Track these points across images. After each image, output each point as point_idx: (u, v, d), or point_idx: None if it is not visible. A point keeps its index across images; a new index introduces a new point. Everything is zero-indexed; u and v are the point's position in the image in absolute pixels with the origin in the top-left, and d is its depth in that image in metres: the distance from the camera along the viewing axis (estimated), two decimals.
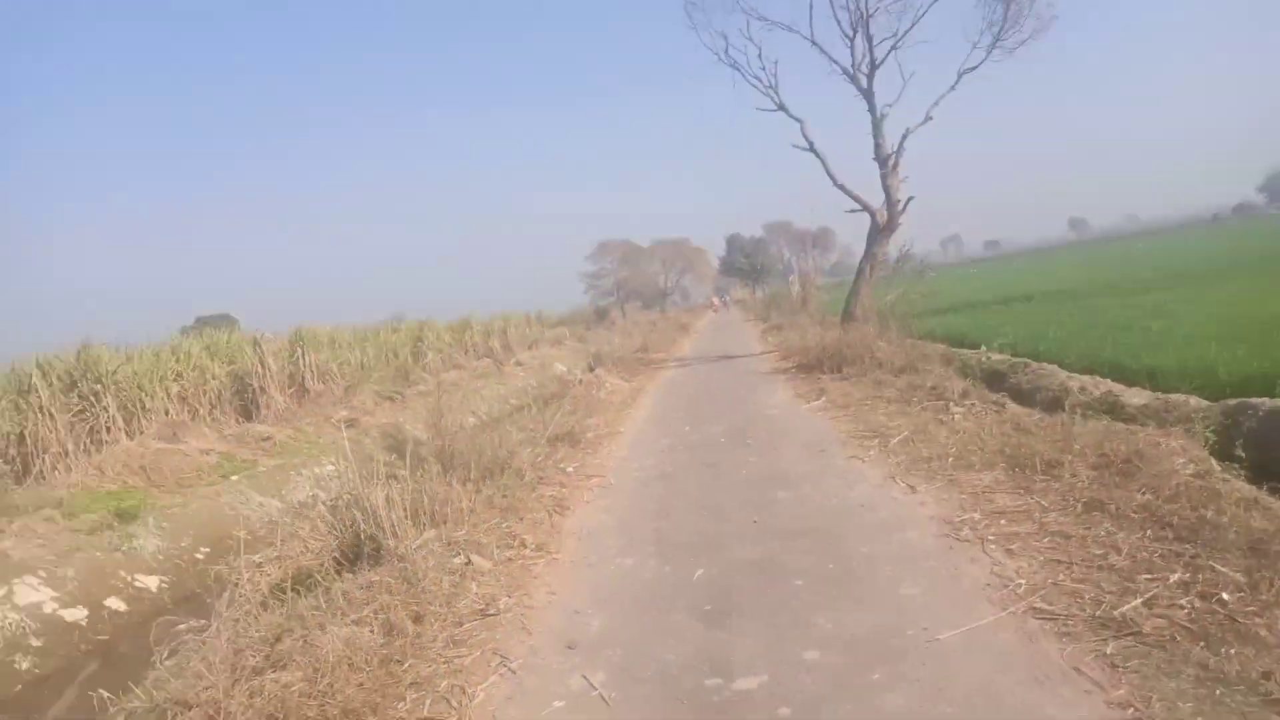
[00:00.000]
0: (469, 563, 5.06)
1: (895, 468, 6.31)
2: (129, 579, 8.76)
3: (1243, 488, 4.97)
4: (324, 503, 5.79)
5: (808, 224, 65.09)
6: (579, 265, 73.75)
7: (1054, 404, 9.57)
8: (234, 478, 12.22)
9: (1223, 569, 3.48)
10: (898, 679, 3.19)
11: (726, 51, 18.06)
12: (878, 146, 16.90)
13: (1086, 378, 10.26)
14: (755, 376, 14.10)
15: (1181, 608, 3.28)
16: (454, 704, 3.49)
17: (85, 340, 13.43)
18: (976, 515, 4.90)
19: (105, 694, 4.28)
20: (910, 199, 17.13)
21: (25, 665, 7.10)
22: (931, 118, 17.02)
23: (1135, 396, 8.90)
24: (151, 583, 8.92)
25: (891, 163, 16.79)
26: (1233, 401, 7.54)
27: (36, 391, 11.88)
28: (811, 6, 17.23)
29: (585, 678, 3.61)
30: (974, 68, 17.00)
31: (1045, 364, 11.62)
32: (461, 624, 4.31)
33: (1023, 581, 3.84)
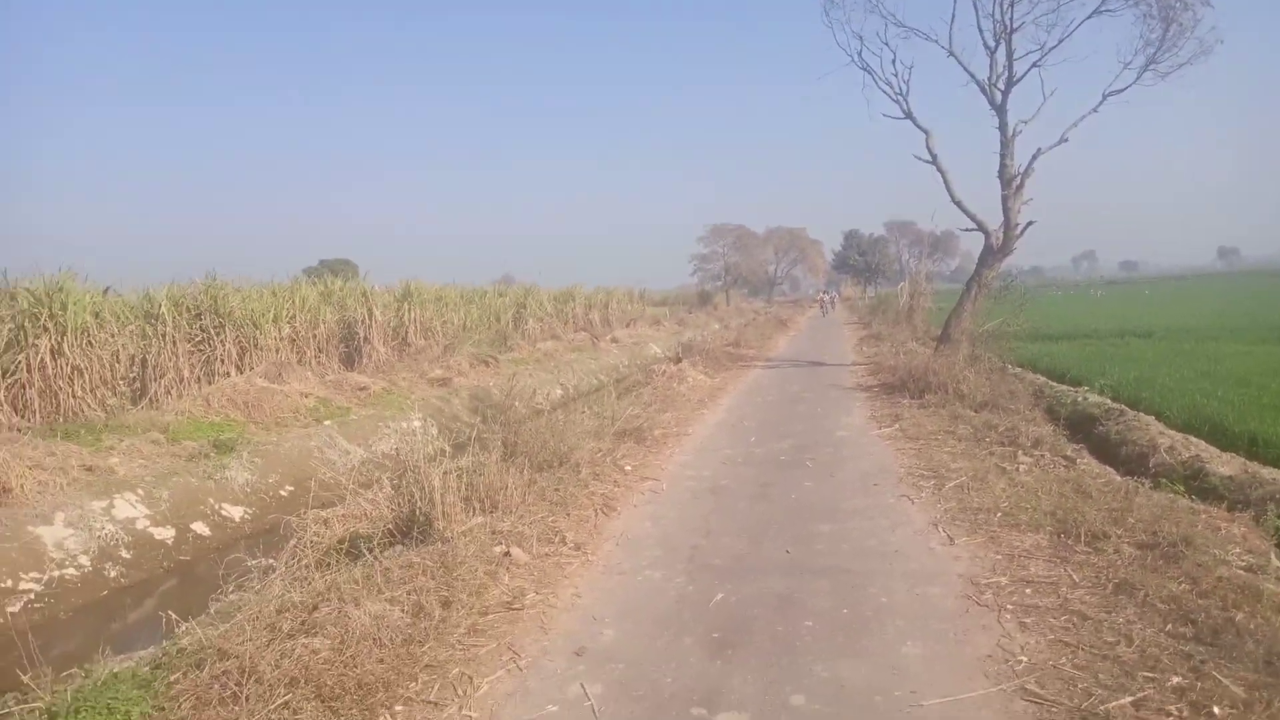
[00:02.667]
0: (508, 554, 5.38)
1: (942, 515, 6.29)
2: (216, 506, 9.49)
3: None
4: (388, 478, 6.15)
5: (931, 226, 63.01)
6: (690, 246, 73.79)
7: (1139, 460, 9.27)
8: (327, 423, 12.96)
9: (1225, 680, 3.43)
10: None
11: (860, 54, 17.65)
12: (1004, 166, 16.29)
13: (1180, 436, 9.87)
14: (838, 390, 14.02)
15: (1169, 714, 3.28)
16: (459, 692, 3.81)
17: (212, 274, 14.48)
18: (1004, 580, 4.90)
19: (173, 614, 4.78)
20: (1030, 224, 16.51)
21: (113, 574, 7.82)
22: (1068, 139, 16.25)
23: (1224, 465, 8.54)
24: (236, 513, 9.63)
25: (1016, 184, 16.16)
26: None
27: (164, 319, 12.86)
28: (954, 15, 16.69)
29: (583, 687, 3.85)
30: (1121, 90, 16.02)
31: (1142, 414, 11.19)
32: (486, 614, 4.63)
33: (1025, 659, 3.87)
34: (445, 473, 5.78)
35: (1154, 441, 9.70)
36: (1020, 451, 8.03)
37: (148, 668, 4.06)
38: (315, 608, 4.17)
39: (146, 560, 8.24)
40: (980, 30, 16.41)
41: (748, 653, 4.16)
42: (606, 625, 4.60)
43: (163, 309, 12.96)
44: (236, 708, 3.45)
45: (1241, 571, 4.89)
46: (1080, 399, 12.68)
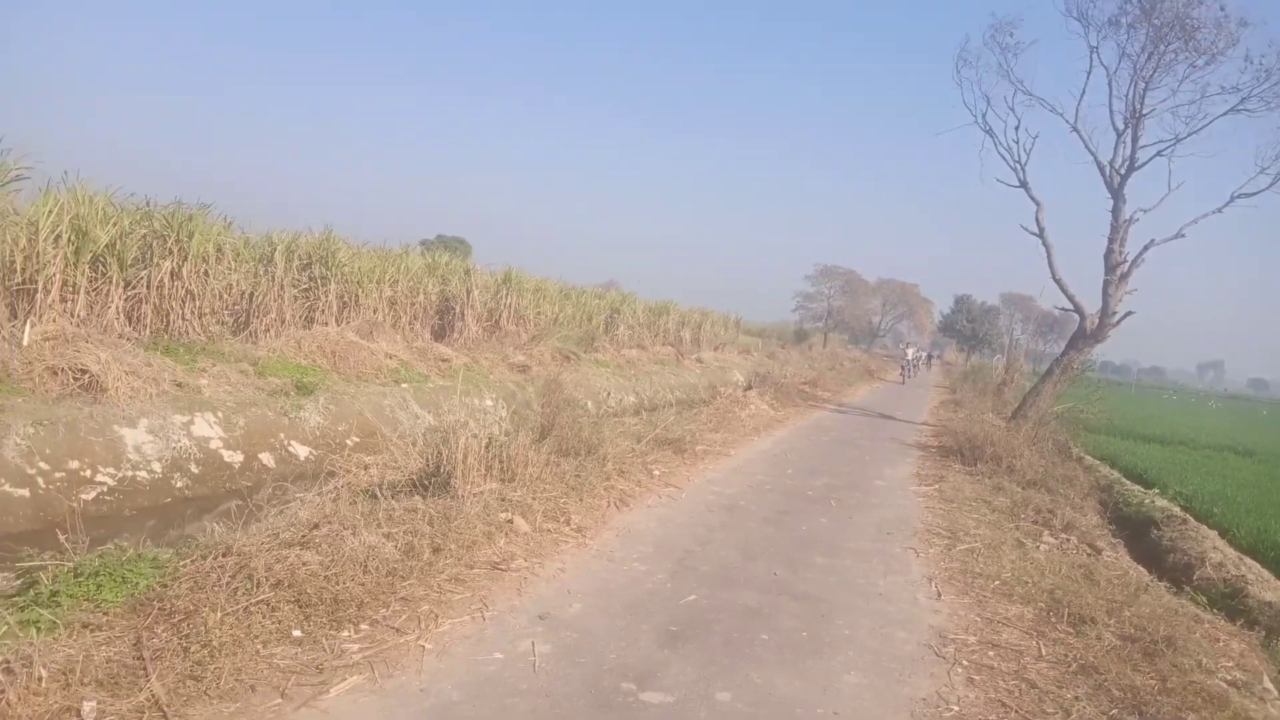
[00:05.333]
0: (510, 521, 5.74)
1: (941, 571, 6.34)
2: (286, 442, 10.15)
3: (1270, 713, 4.71)
4: (423, 434, 6.60)
5: (1049, 306, 60.70)
6: (795, 283, 73.28)
7: (1185, 570, 9.03)
8: (404, 385, 13.62)
9: None
10: None
11: (984, 116, 17.41)
12: (1110, 250, 15.86)
13: (1235, 555, 9.55)
14: (894, 444, 13.94)
15: None
16: (422, 625, 4.17)
17: (328, 229, 15.43)
18: (973, 639, 4.97)
19: (218, 526, 5.31)
20: (1128, 314, 16.07)
21: (179, 484, 8.51)
22: (1184, 235, 15.79)
23: (1271, 592, 8.24)
24: (302, 451, 10.27)
25: (1121, 271, 15.77)
26: None
27: (276, 264, 13.79)
28: (1084, 91, 16.35)
29: (533, 645, 4.16)
30: (1252, 194, 15.35)
31: (1205, 527, 10.84)
32: (472, 568, 5.00)
33: (956, 709, 3.98)
34: (472, 436, 6.18)
35: (1204, 555, 9.42)
36: (1047, 531, 7.93)
37: (168, 553, 4.58)
38: (316, 526, 4.61)
39: (212, 478, 8.91)
40: (1111, 111, 16.07)
41: (696, 649, 4.39)
42: (577, 600, 4.90)
43: (276, 254, 13.88)
44: (225, 594, 3.89)
45: (1222, 683, 4.83)
46: (1147, 501, 12.31)
